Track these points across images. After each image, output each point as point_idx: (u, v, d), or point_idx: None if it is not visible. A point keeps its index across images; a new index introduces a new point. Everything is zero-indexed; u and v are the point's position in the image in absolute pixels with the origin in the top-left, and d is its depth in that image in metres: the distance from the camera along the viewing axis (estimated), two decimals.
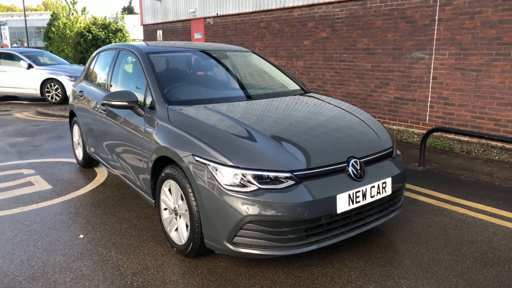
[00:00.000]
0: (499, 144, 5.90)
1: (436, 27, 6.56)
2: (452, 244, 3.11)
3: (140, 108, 3.33)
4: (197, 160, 2.63)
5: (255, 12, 10.27)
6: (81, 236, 3.31)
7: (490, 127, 6.04)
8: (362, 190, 2.68)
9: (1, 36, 28.37)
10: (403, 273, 2.71)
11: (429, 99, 6.82)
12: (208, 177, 2.55)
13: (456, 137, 6.47)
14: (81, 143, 4.99)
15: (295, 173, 2.51)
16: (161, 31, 14.56)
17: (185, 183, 2.72)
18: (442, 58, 6.54)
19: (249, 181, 2.48)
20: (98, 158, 4.46)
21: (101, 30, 17.39)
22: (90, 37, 17.15)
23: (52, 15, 21.90)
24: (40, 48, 28.85)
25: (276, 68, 4.32)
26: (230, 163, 2.51)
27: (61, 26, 20.68)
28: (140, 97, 3.46)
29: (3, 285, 2.62)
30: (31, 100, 11.97)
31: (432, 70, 6.71)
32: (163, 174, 2.98)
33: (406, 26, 7.03)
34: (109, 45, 4.66)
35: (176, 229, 2.98)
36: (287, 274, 2.71)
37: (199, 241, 2.72)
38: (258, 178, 2.48)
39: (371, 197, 2.74)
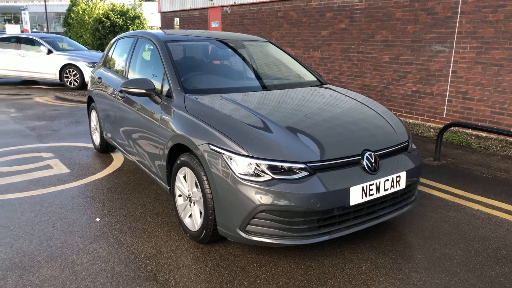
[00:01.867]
0: None
1: (458, 20, 6.42)
2: (465, 240, 3.10)
3: (157, 96, 3.37)
4: (212, 149, 2.66)
5: (273, 1, 10.19)
6: (98, 219, 3.40)
7: (509, 123, 5.93)
8: (376, 183, 2.68)
9: (22, 20, 28.78)
10: (414, 266, 2.72)
11: (448, 93, 6.71)
12: (223, 165, 2.59)
13: (474, 132, 6.37)
14: (98, 129, 5.08)
15: (309, 165, 2.53)
16: (178, 19, 14.58)
17: (200, 171, 2.76)
18: (463, 52, 6.41)
19: (263, 171, 2.50)
20: (115, 143, 4.54)
21: (119, 17, 17.50)
22: (108, 23, 17.28)
23: (71, 1, 22.12)
24: (59, 33, 29.18)
25: (293, 58, 4.31)
26: (244, 153, 2.54)
27: (80, 12, 20.89)
28: (157, 85, 3.50)
29: (22, 264, 2.71)
30: (50, 85, 12.18)
31: (452, 64, 6.59)
32: (178, 162, 3.03)
33: (426, 18, 6.90)
34: (127, 32, 4.70)
35: (190, 216, 3.04)
36: (298, 264, 2.74)
37: (212, 228, 2.76)
38: (272, 168, 2.50)
39: (385, 190, 2.74)
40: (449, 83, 6.68)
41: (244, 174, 2.52)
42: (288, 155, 2.54)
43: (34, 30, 48.72)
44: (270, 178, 2.49)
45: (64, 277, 2.58)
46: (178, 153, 3.14)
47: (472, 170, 4.72)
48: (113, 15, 17.39)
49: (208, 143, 2.69)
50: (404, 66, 7.39)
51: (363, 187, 2.62)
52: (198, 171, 2.78)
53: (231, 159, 2.57)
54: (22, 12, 27.44)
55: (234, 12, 11.77)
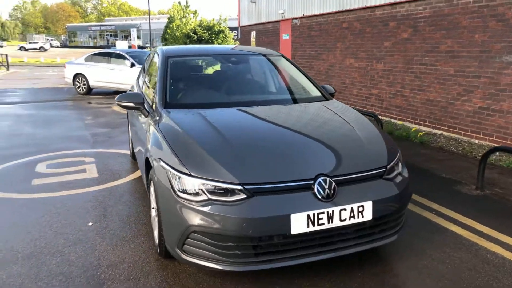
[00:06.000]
0: None
1: None
2: None
3: (145, 109, 3.50)
4: (161, 165, 2.67)
5: (338, 12, 9.88)
6: (90, 223, 3.62)
7: None
8: (328, 212, 2.42)
9: (130, 37, 32.24)
10: None
11: None
12: (166, 182, 2.57)
13: None
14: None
15: (246, 187, 2.38)
16: (254, 33, 14.95)
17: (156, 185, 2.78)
18: None
19: (201, 190, 2.43)
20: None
21: (205, 31, 18.56)
22: (195, 38, 18.42)
23: (168, 18, 24.12)
24: None
25: (302, 73, 4.09)
26: (185, 171, 2.50)
27: (175, 28, 22.66)
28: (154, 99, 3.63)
29: (4, 259, 3.00)
30: None
31: None
32: (149, 175, 3.10)
33: (496, 25, 6.05)
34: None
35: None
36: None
37: (164, 243, 2.76)
38: (209, 189, 2.42)
39: (341, 220, 2.45)
40: None
41: (183, 192, 2.47)
42: (227, 175, 2.42)
43: (147, 45, 54.06)
44: (206, 198, 2.41)
45: (26, 275, 2.79)
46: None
47: None
48: (200, 30, 18.51)
49: (160, 159, 2.71)
50: (471, 79, 6.56)
51: (309, 215, 2.38)
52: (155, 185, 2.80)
53: (174, 176, 2.54)
54: (131, 29, 30.68)
55: (302, 24, 11.68)
